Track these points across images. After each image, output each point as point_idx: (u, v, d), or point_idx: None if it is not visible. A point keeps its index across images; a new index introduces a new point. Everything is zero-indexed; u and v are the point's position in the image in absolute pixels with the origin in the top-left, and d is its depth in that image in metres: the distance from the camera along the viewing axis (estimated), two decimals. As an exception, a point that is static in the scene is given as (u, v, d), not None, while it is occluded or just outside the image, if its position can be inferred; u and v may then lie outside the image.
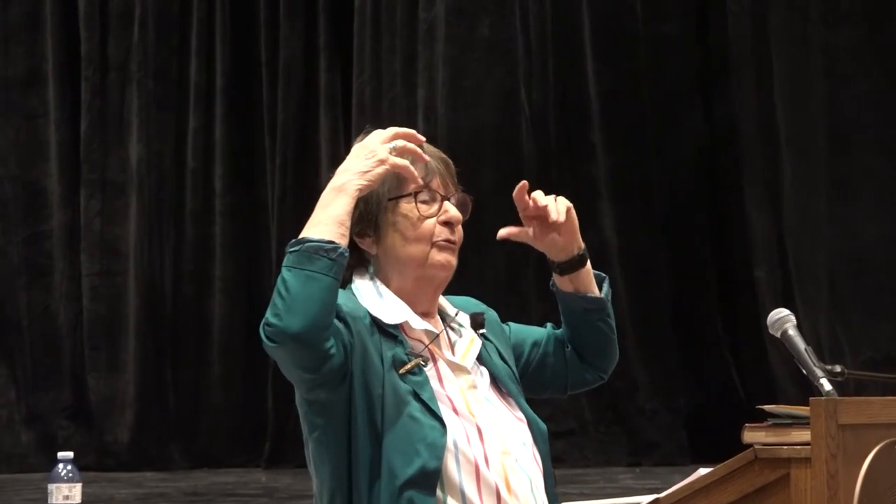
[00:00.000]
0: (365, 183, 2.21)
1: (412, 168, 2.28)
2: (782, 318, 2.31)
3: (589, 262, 2.42)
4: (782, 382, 7.00)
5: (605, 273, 2.47)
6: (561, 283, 2.45)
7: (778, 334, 2.30)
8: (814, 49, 7.38)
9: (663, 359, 7.38)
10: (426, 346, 2.28)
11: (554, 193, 2.41)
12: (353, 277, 2.33)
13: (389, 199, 2.28)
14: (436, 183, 2.32)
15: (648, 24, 7.46)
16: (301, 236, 2.18)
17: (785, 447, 2.04)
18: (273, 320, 2.12)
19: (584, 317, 2.45)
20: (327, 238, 2.16)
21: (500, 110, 7.53)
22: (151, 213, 7.97)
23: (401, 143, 2.27)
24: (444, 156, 2.38)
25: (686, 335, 7.43)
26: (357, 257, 2.31)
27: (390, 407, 2.19)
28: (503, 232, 2.42)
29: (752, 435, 2.09)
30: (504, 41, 7.50)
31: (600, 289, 2.46)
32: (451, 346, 2.34)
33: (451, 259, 2.33)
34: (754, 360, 7.20)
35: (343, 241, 2.18)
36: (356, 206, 2.23)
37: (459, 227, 2.34)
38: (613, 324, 2.48)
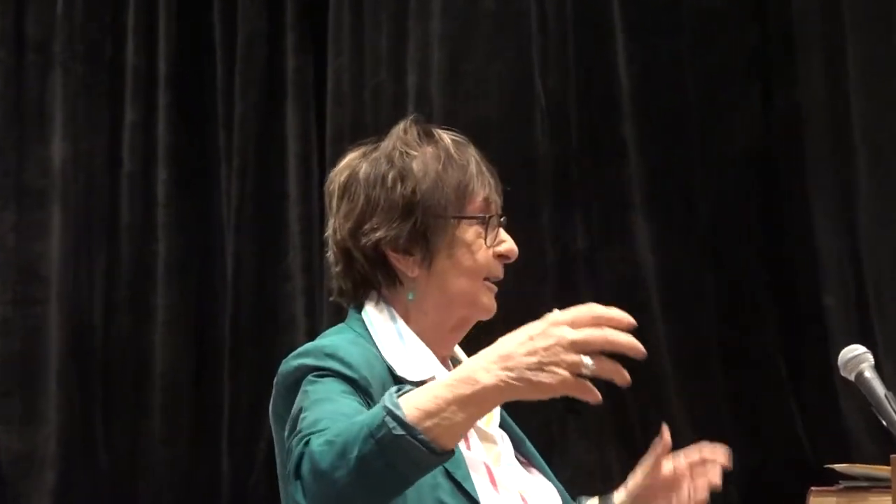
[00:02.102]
0: (511, 393, 1.94)
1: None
2: (857, 357, 2.33)
3: None
4: (857, 436, 7.01)
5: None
6: None
7: (852, 377, 2.32)
8: (895, 26, 7.41)
9: (711, 406, 7.38)
10: None
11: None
12: (365, 303, 2.29)
13: (454, 217, 2.24)
14: (495, 201, 2.30)
15: (692, -8, 7.50)
16: (427, 435, 1.93)
17: (861, 515, 2.05)
18: None
19: None
20: (450, 447, 1.94)
21: (510, 100, 7.54)
22: (79, 226, 7.97)
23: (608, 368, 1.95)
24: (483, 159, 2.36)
25: (739, 377, 7.43)
26: (384, 276, 2.27)
27: (415, 492, 2.10)
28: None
29: (821, 500, 2.10)
30: (514, 15, 7.52)
31: None
32: None
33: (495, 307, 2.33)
34: (823, 408, 7.20)
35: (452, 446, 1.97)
36: (410, 215, 2.18)
37: None
38: None
